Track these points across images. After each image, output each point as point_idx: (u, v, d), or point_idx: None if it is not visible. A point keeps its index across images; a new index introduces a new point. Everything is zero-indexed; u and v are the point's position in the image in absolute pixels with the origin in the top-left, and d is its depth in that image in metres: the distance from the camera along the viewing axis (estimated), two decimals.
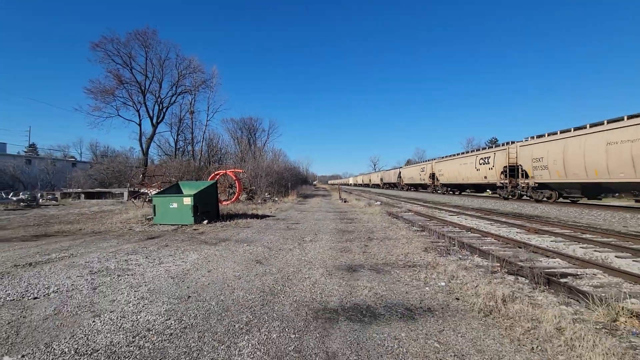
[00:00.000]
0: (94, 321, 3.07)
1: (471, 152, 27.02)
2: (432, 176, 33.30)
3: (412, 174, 40.97)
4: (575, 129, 15.56)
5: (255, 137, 51.77)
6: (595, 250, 6.41)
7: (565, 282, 4.26)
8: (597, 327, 2.98)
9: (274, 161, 34.52)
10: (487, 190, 27.07)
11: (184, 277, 4.52)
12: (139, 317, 3.16)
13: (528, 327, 2.90)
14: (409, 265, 5.22)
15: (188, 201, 10.11)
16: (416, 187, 41.64)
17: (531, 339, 2.73)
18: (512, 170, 20.33)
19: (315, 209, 16.94)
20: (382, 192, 40.33)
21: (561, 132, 16.56)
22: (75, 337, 2.76)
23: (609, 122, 13.88)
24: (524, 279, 4.51)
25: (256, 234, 8.43)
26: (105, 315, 3.21)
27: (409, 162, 77.46)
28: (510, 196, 20.93)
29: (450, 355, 2.49)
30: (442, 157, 32.25)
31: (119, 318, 3.14)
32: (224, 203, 17.21)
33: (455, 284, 4.19)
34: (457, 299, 3.68)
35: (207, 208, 10.88)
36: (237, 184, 19.34)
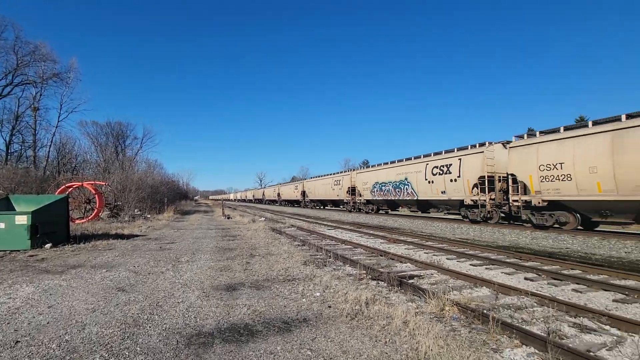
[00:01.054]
0: None
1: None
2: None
3: (289, 191, 47.09)
4: (337, 172, 31.79)
5: (125, 145, 44.40)
6: (434, 255, 8.01)
7: (412, 282, 5.19)
8: (431, 317, 3.75)
9: (148, 173, 30.47)
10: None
11: (9, 319, 3.54)
12: None
13: (383, 324, 3.41)
14: (288, 279, 5.41)
15: (22, 220, 7.99)
16: (292, 202, 46.61)
17: (385, 334, 3.22)
18: (304, 193, 36.93)
19: (194, 227, 15.73)
20: (267, 208, 40.78)
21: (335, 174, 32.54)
22: None
23: (333, 174, 31.37)
24: (383, 282, 5.28)
25: (120, 257, 7.27)
26: None
27: (293, 179, 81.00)
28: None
29: None
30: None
31: None
32: (78, 221, 14.27)
33: (328, 293, 4.57)
34: (330, 306, 4.03)
35: (51, 228, 8.80)
36: (97, 198, 16.38)
